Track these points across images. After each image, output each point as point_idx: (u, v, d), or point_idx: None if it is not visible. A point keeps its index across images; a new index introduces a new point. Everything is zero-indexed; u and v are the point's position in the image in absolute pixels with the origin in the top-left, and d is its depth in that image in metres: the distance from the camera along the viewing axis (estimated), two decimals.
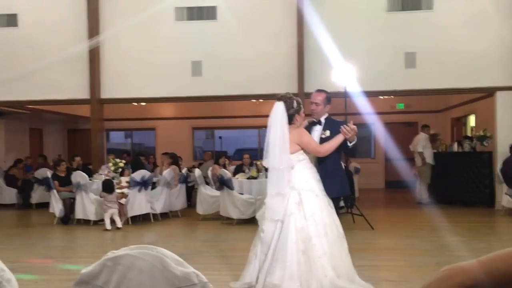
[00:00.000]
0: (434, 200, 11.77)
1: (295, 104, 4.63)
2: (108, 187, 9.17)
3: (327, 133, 4.76)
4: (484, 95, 11.79)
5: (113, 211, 9.05)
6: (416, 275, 5.40)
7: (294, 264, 4.28)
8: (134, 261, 1.56)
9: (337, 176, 4.79)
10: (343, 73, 9.76)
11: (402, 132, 16.13)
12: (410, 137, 12.97)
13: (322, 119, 4.88)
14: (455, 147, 11.84)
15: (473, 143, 11.43)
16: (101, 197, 9.21)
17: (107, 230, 8.83)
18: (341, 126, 4.53)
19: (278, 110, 4.55)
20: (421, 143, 11.87)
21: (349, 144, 4.54)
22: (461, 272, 0.99)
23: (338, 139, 4.53)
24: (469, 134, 13.56)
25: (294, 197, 4.44)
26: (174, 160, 11.15)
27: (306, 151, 4.62)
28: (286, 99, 4.62)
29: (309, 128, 4.89)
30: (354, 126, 4.46)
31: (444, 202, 11.61)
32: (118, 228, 8.96)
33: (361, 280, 4.67)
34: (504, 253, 0.99)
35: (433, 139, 12.24)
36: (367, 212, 9.15)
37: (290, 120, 4.60)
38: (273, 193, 4.51)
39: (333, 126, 4.79)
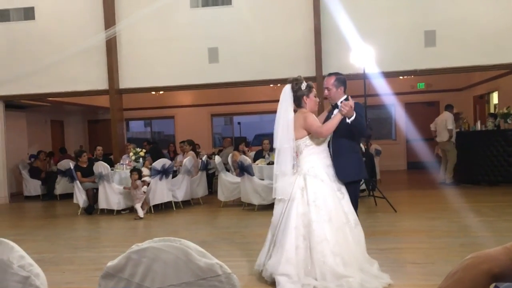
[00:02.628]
0: (457, 180, 11.63)
1: (303, 86, 4.58)
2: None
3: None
4: (507, 72, 11.56)
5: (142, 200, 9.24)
6: (441, 256, 5.35)
7: (292, 249, 4.28)
8: (158, 254, 1.58)
9: (351, 159, 4.61)
10: (361, 54, 9.64)
11: (423, 112, 15.92)
12: (432, 117, 12.78)
13: (339, 103, 4.70)
14: (478, 126, 11.64)
15: (496, 121, 11.22)
16: (135, 187, 9.30)
17: (141, 218, 9.00)
18: (339, 104, 4.44)
19: (285, 93, 4.58)
20: (450, 119, 11.60)
21: (348, 120, 4.39)
22: (488, 260, 0.97)
23: (336, 118, 4.40)
24: (492, 111, 13.32)
25: (299, 182, 4.45)
26: (193, 146, 11.22)
27: (313, 136, 4.52)
28: (294, 81, 4.61)
29: (330, 113, 4.79)
30: (349, 102, 4.32)
31: (468, 182, 11.48)
32: (141, 218, 9.09)
33: (378, 270, 4.55)
34: None
35: (455, 118, 12.04)
36: (389, 194, 9.09)
37: (299, 102, 4.59)
38: (278, 173, 4.54)
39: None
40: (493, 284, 1.06)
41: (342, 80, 4.78)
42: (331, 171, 4.53)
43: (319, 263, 4.21)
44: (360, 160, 4.79)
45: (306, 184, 4.41)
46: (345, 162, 4.57)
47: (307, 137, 4.53)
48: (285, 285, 4.19)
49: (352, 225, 4.44)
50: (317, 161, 4.50)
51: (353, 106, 4.33)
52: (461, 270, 1.00)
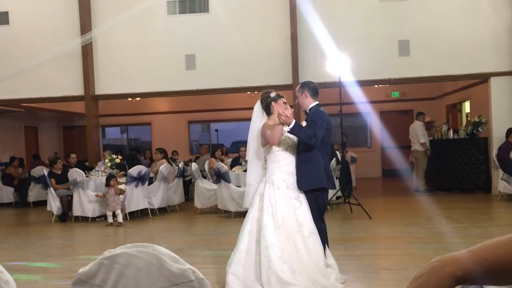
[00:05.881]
0: (431, 188, 11.82)
1: (272, 94, 4.76)
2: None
3: (304, 123, 4.75)
4: (479, 81, 11.81)
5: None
6: (414, 262, 5.42)
7: (243, 252, 4.45)
8: (130, 259, 1.57)
9: (308, 168, 4.59)
10: (337, 63, 9.76)
11: (398, 120, 16.17)
12: (406, 125, 12.97)
13: (307, 110, 4.83)
14: (451, 134, 11.85)
15: (468, 129, 11.45)
16: (117, 193, 9.20)
17: (120, 224, 8.95)
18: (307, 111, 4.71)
19: (256, 108, 4.84)
20: (420, 133, 11.75)
21: (287, 128, 4.46)
22: (452, 263, 1.00)
23: (278, 127, 4.48)
24: (464, 120, 13.59)
25: (260, 189, 4.59)
26: (164, 154, 11.07)
27: (280, 144, 4.62)
28: (262, 94, 4.82)
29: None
30: (283, 112, 4.37)
31: (441, 189, 11.68)
32: (115, 224, 9.00)
33: (334, 281, 4.45)
34: (493, 243, 1.00)
35: (428, 126, 12.24)
36: (365, 201, 9.18)
37: (269, 109, 4.75)
38: (247, 181, 4.92)
39: (309, 115, 4.76)
40: (459, 287, 1.09)
41: (306, 84, 4.86)
42: (291, 179, 4.57)
43: (265, 267, 4.30)
44: (318, 169, 4.61)
45: (264, 191, 4.52)
46: (302, 171, 4.60)
47: (269, 145, 4.63)
48: (232, 285, 4.36)
49: (306, 234, 4.43)
50: (276, 169, 4.58)
51: (289, 115, 4.38)
52: (426, 273, 1.02)
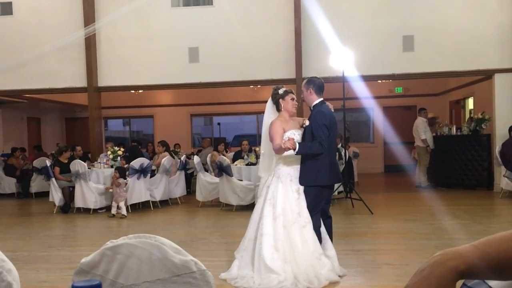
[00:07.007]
0: (433, 184, 11.81)
1: (280, 91, 4.80)
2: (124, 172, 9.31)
3: (307, 122, 4.75)
4: (482, 78, 11.77)
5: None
6: (415, 258, 5.43)
7: (246, 239, 4.80)
8: (133, 250, 1.57)
9: (310, 165, 4.64)
10: (341, 58, 9.73)
11: (401, 116, 16.13)
12: (409, 121, 12.94)
13: (311, 107, 4.83)
14: (454, 130, 11.82)
15: (471, 126, 11.42)
16: (117, 185, 9.17)
17: (124, 216, 8.95)
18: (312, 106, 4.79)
19: (267, 106, 4.91)
20: (421, 129, 11.73)
21: (293, 152, 4.50)
22: (455, 257, 0.99)
23: (283, 149, 4.51)
24: (467, 116, 13.55)
25: (268, 181, 4.81)
26: (167, 147, 11.04)
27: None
28: (273, 90, 4.87)
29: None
30: (288, 144, 4.37)
31: (443, 185, 11.66)
32: (118, 216, 9.01)
33: (328, 271, 4.55)
34: (496, 238, 0.99)
35: (431, 122, 12.20)
36: (366, 196, 9.17)
37: (278, 106, 4.82)
38: (259, 174, 5.16)
39: (312, 115, 4.76)
40: (462, 281, 1.08)
41: (312, 81, 4.85)
42: (295, 173, 4.69)
43: (258, 253, 4.54)
44: (321, 166, 4.65)
45: (270, 184, 4.73)
46: (304, 168, 4.69)
47: None
48: (233, 267, 4.78)
49: (302, 224, 4.58)
50: (282, 163, 4.73)
51: (292, 146, 4.39)
52: (428, 267, 1.01)
